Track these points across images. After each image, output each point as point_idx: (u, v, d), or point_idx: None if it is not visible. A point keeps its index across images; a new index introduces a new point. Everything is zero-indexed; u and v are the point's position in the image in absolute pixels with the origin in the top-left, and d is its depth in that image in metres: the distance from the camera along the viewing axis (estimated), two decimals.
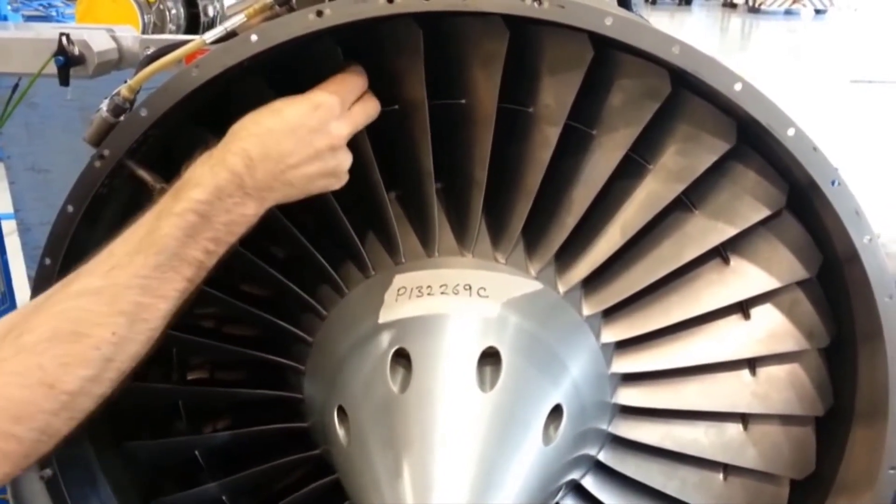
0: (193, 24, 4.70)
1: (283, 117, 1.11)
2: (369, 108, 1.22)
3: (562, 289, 1.32)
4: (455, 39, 1.29)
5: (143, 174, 1.25)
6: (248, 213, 1.09)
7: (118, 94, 1.29)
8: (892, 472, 1.24)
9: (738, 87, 1.13)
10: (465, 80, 1.31)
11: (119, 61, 1.89)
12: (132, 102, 1.30)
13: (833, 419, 1.37)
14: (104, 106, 1.28)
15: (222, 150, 1.09)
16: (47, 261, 1.27)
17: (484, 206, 1.29)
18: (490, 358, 1.20)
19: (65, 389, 0.96)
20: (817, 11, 24.73)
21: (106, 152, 1.22)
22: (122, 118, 1.26)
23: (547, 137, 1.26)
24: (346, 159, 1.18)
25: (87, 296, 1.00)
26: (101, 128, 1.26)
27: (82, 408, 1.00)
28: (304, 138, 1.11)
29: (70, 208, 1.24)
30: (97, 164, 1.23)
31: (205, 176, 1.06)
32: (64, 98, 3.30)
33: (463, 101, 1.33)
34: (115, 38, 1.87)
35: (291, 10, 1.29)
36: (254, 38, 1.16)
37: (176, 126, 1.30)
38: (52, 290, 1.03)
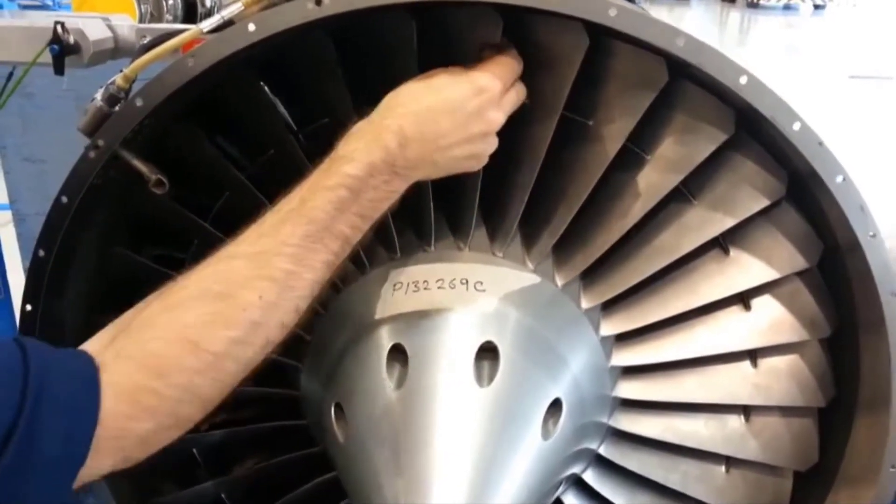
0: (190, 13, 4.65)
1: (443, 97, 1.09)
2: (520, 94, 1.19)
3: (560, 282, 1.31)
4: (450, 30, 1.27)
5: (139, 165, 1.24)
6: (394, 190, 1.08)
7: (113, 83, 1.28)
8: (893, 470, 1.23)
9: (743, 80, 1.12)
10: None
11: (115, 50, 1.87)
12: (127, 92, 1.29)
13: (835, 410, 1.37)
14: (99, 95, 1.27)
15: (378, 124, 1.07)
16: (41, 252, 1.25)
17: (480, 198, 1.28)
18: (488, 353, 1.19)
19: (209, 349, 0.95)
20: (816, 7, 24.69)
21: (100, 142, 1.21)
22: (117, 108, 1.25)
23: (543, 129, 1.25)
24: (493, 144, 1.16)
25: (235, 259, 1.00)
26: (96, 117, 1.24)
27: (228, 371, 0.98)
28: (461, 121, 1.09)
29: (64, 199, 1.23)
30: (91, 154, 1.21)
31: (359, 151, 1.04)
32: (60, 88, 3.28)
33: None
34: (110, 27, 1.84)
35: None
36: (251, 27, 1.14)
37: (172, 116, 1.29)
38: (205, 260, 1.03)
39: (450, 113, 1.09)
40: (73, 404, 0.88)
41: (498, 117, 1.13)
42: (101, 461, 0.89)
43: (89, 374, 0.90)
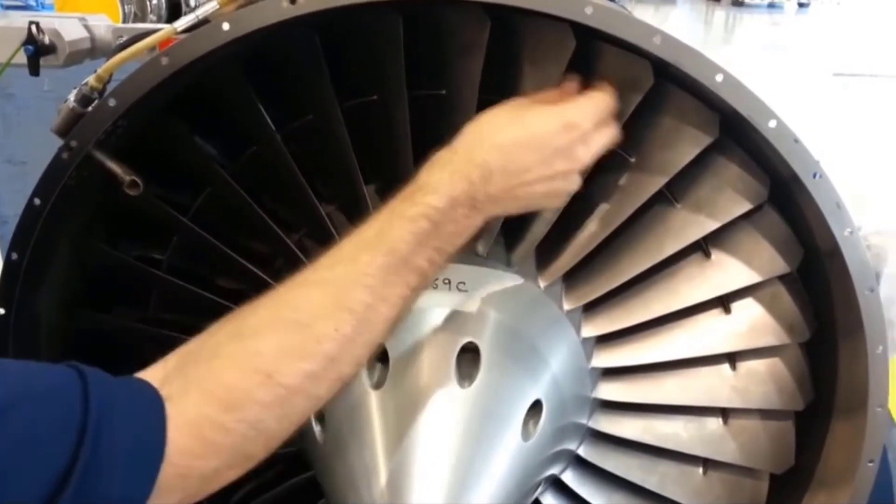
0: (175, 14, 4.62)
1: (531, 131, 1.05)
2: (613, 133, 1.13)
3: (542, 283, 1.31)
4: (436, 29, 1.26)
5: (113, 166, 1.22)
6: (472, 224, 1.03)
7: (87, 83, 1.26)
8: (870, 465, 1.23)
9: (719, 78, 1.11)
10: (445, 70, 1.29)
11: (91, 50, 1.85)
12: (101, 92, 1.27)
13: (813, 414, 1.37)
14: (72, 96, 1.25)
15: (462, 155, 1.03)
16: (14, 255, 1.24)
17: None
18: (469, 353, 1.19)
19: (282, 382, 0.89)
20: (800, 5, 24.78)
21: (74, 143, 1.19)
22: (90, 108, 1.23)
23: None
24: (576, 183, 1.11)
25: (310, 286, 0.95)
26: (69, 118, 1.23)
27: (298, 407, 0.92)
28: (547, 158, 1.05)
29: (37, 201, 1.20)
30: (64, 155, 1.19)
31: (443, 183, 1.00)
32: (41, 89, 3.25)
33: (443, 91, 1.31)
34: (87, 27, 1.83)
35: None
36: (226, 26, 1.13)
37: (148, 116, 1.27)
38: (278, 286, 0.97)
39: (536, 148, 1.05)
40: (137, 442, 0.81)
41: (585, 156, 1.08)
42: (162, 500, 0.84)
43: (155, 407, 0.84)
